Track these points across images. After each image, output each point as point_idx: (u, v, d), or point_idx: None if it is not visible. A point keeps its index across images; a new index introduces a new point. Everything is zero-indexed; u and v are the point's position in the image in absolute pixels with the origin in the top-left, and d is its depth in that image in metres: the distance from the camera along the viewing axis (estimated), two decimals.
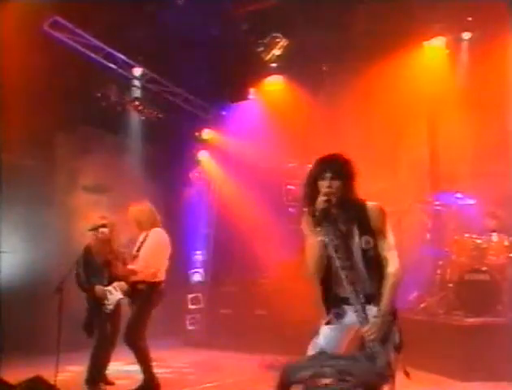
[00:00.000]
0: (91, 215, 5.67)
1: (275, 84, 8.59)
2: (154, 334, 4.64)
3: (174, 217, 7.39)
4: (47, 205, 6.88)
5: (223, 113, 9.07)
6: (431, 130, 7.38)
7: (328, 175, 2.55)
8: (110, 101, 7.42)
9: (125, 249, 5.13)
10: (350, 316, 2.56)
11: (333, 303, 2.65)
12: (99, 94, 7.21)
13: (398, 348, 2.51)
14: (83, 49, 6.77)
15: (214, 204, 9.22)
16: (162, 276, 4.85)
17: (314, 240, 2.57)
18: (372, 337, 2.43)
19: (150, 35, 7.12)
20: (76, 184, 7.46)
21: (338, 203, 2.53)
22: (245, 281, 7.90)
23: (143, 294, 4.76)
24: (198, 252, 9.07)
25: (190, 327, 8.38)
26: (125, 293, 4.96)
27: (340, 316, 2.63)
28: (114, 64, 7.31)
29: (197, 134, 9.11)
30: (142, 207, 5.00)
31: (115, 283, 4.95)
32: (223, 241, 8.52)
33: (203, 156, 9.27)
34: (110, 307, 4.88)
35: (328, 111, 7.72)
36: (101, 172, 7.65)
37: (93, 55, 6.92)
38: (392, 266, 2.55)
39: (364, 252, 2.53)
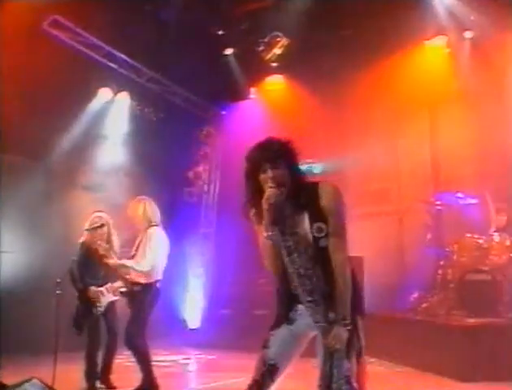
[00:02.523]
0: (91, 215, 5.39)
1: (275, 84, 8.57)
2: (154, 334, 4.70)
3: (174, 216, 7.23)
4: (46, 205, 6.82)
5: (224, 112, 9.07)
6: (432, 129, 7.40)
7: (267, 165, 2.21)
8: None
9: (124, 249, 5.06)
10: (305, 319, 2.25)
11: (288, 303, 2.34)
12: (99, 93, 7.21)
13: (360, 353, 2.23)
14: (83, 48, 6.74)
15: (214, 203, 9.21)
16: (158, 276, 4.76)
17: (264, 238, 2.23)
18: (335, 349, 2.14)
19: (151, 34, 7.09)
20: (75, 183, 7.43)
21: (288, 193, 2.21)
22: (246, 281, 7.86)
23: (139, 295, 4.68)
24: (198, 252, 9.02)
25: (188, 327, 8.33)
26: (118, 295, 4.90)
27: (292, 320, 2.32)
28: (115, 63, 7.27)
29: (197, 133, 9.08)
30: (140, 204, 4.89)
31: (108, 285, 4.90)
32: (223, 241, 8.48)
33: (203, 155, 9.23)
34: (101, 309, 4.83)
35: (329, 111, 7.70)
36: (100, 171, 7.62)
37: (93, 54, 6.89)
38: (340, 258, 2.21)
39: (317, 241, 2.20)
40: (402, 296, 6.61)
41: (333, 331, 2.12)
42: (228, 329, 7.42)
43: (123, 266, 4.71)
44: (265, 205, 2.17)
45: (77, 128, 7.19)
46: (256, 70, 8.31)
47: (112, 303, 4.96)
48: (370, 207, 7.43)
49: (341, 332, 2.13)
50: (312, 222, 2.20)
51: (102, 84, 7.51)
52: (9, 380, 3.94)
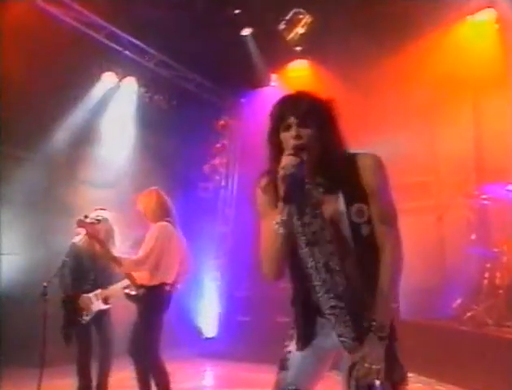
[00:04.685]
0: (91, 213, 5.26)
1: (299, 70, 8.36)
2: (165, 343, 4.44)
3: (188, 214, 6.96)
4: (44, 202, 6.67)
5: (242, 100, 8.89)
6: (476, 115, 7.10)
7: (293, 120, 1.87)
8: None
9: (134, 250, 4.74)
10: (329, 333, 1.93)
11: (306, 314, 1.99)
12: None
13: (402, 381, 1.87)
14: (82, 28, 6.52)
15: (232, 200, 9.08)
16: (165, 278, 4.48)
17: (271, 224, 1.82)
18: (368, 371, 1.78)
19: (160, 13, 6.79)
20: (78, 179, 7.25)
21: (313, 162, 1.86)
22: (266, 285, 7.50)
23: (143, 299, 4.45)
24: (214, 253, 8.93)
25: (204, 336, 8.27)
26: (110, 303, 4.74)
27: (310, 337, 1.98)
28: (119, 45, 7.07)
29: (213, 123, 8.95)
30: (148, 196, 4.65)
31: (98, 291, 4.70)
32: (242, 241, 8.06)
33: (220, 147, 9.08)
34: (87, 318, 4.65)
35: (359, 98, 7.37)
36: (105, 166, 7.41)
37: (93, 34, 6.68)
38: (389, 250, 1.87)
39: (356, 228, 1.85)
40: (443, 303, 6.31)
41: (366, 347, 1.79)
42: (247, 338, 7.30)
43: (115, 259, 4.39)
44: (280, 174, 1.79)
45: (78, 118, 7.03)
46: (277, 53, 8.07)
47: (103, 312, 4.74)
48: (405, 203, 6.68)
49: (378, 348, 1.79)
50: (349, 203, 1.85)
51: (105, 68, 7.35)
52: None
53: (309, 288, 1.93)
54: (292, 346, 2.03)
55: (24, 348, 5.53)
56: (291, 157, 1.81)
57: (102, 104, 7.44)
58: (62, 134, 6.86)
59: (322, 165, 1.90)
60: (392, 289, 1.86)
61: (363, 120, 7.24)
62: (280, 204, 1.77)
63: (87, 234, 4.56)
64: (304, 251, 1.87)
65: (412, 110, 7.16)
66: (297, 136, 1.86)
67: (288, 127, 1.89)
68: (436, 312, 6.33)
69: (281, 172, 1.78)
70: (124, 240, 5.42)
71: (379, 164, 1.92)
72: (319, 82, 7.94)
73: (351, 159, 1.91)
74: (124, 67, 7.46)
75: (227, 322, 8.10)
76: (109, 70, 7.38)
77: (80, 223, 4.53)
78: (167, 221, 4.55)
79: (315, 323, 1.99)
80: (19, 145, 6.51)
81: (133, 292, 4.53)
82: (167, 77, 7.82)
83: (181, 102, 7.96)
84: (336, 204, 1.86)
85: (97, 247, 4.63)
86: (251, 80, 8.38)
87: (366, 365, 1.78)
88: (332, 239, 1.85)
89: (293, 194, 1.77)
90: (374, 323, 1.81)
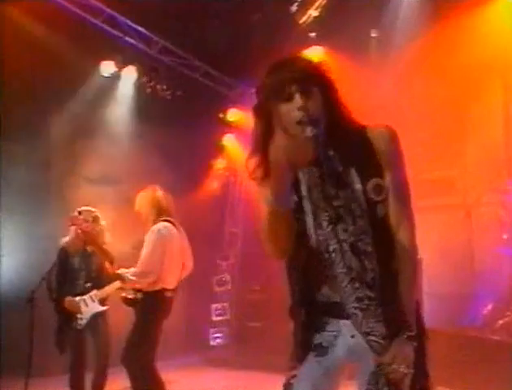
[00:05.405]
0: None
1: (314, 57, 7.65)
2: (171, 351, 4.40)
3: (194, 214, 7.13)
4: (42, 200, 6.56)
5: (252, 90, 8.52)
6: (506, 104, 6.78)
7: (293, 88, 1.68)
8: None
9: (135, 250, 4.67)
10: (342, 342, 1.76)
11: (316, 315, 1.80)
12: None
13: (425, 386, 1.73)
14: (78, 11, 6.34)
15: (242, 198, 8.90)
16: (166, 284, 4.32)
17: (275, 209, 1.64)
18: (397, 376, 1.62)
19: None
20: (77, 175, 7.10)
21: (324, 136, 1.68)
22: (278, 289, 7.47)
23: (140, 305, 4.29)
24: (223, 255, 8.82)
25: (214, 343, 8.19)
26: (106, 304, 4.64)
27: (323, 348, 1.78)
28: (118, 30, 6.89)
29: (220, 115, 8.80)
30: (146, 195, 4.49)
31: (93, 292, 4.57)
32: (253, 241, 7.82)
33: (228, 141, 8.97)
34: (83, 322, 4.53)
35: (379, 87, 7.18)
36: (106, 161, 7.24)
37: (91, 19, 6.50)
38: (406, 233, 1.74)
39: (373, 208, 1.69)
40: (472, 309, 6.12)
41: (394, 347, 1.63)
42: (258, 345, 7.27)
43: (118, 277, 4.32)
44: (297, 126, 1.65)
45: (75, 110, 6.87)
46: (289, 39, 7.63)
47: (99, 315, 4.62)
48: (430, 199, 6.87)
49: (408, 349, 1.64)
50: (365, 178, 1.70)
51: (104, 56, 7.16)
52: None
53: (320, 282, 1.74)
54: (296, 365, 1.81)
55: (18, 356, 5.24)
56: (300, 126, 1.65)
57: (101, 95, 7.29)
58: (58, 128, 6.76)
59: (330, 138, 1.71)
60: (415, 278, 1.74)
61: (384, 111, 6.90)
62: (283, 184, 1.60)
63: (82, 233, 4.42)
64: (325, 231, 1.68)
65: (436, 100, 6.89)
66: (303, 108, 1.67)
67: (289, 98, 1.69)
68: (464, 319, 6.14)
69: (307, 133, 1.64)
70: (127, 240, 5.51)
71: (393, 135, 1.79)
72: (337, 71, 7.58)
73: (361, 130, 1.78)
74: (124, 55, 7.29)
75: (237, 328, 8.05)
76: (108, 58, 7.21)
77: (73, 221, 4.40)
78: (166, 221, 4.37)
79: (325, 329, 1.79)
80: (13, 140, 6.39)
81: (130, 296, 4.36)
82: (171, 65, 7.64)
83: (186, 93, 7.75)
84: (351, 180, 1.70)
85: (89, 246, 4.54)
86: (261, 69, 8.00)
87: (395, 366, 1.62)
88: (363, 212, 1.67)
89: (322, 157, 1.64)
90: (403, 324, 1.65)
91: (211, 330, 8.25)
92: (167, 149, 7.67)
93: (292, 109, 1.68)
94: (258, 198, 1.74)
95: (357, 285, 1.65)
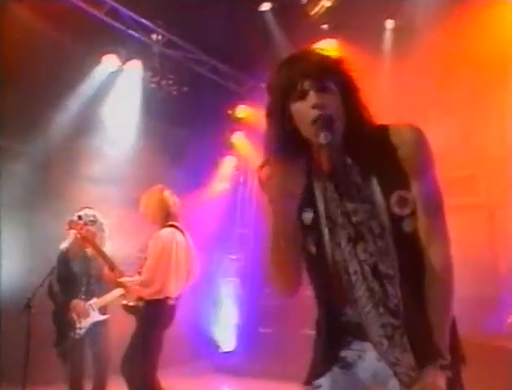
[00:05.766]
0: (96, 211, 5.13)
1: (331, 52, 7.91)
2: (178, 357, 4.30)
3: (202, 214, 7.08)
4: (41, 200, 6.39)
5: (262, 85, 8.24)
6: None
7: (307, 84, 1.56)
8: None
9: (141, 254, 4.65)
10: (371, 362, 1.63)
11: (340, 333, 1.68)
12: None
13: None
14: (79, 4, 6.18)
15: (253, 198, 8.77)
16: (170, 292, 4.24)
17: (284, 212, 1.60)
18: None
19: None
20: (78, 174, 6.96)
21: (339, 139, 1.56)
22: None
23: (142, 313, 4.22)
24: (232, 257, 8.74)
25: (221, 349, 8.15)
26: (107, 313, 4.58)
27: (348, 364, 1.67)
28: (121, 23, 6.72)
29: (229, 112, 8.71)
30: (151, 196, 4.41)
31: (93, 300, 4.53)
32: (264, 244, 7.94)
33: (237, 138, 8.85)
34: (82, 331, 4.42)
35: (395, 80, 7.12)
36: (109, 160, 7.08)
37: (93, 11, 6.33)
38: (440, 251, 1.59)
39: (398, 224, 1.55)
40: (496, 318, 6.03)
41: (425, 379, 1.50)
42: (269, 352, 7.17)
43: (121, 285, 4.32)
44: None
45: (77, 107, 6.73)
46: (301, 32, 7.50)
47: (99, 324, 4.56)
48: (451, 199, 6.45)
49: (440, 380, 1.51)
50: (388, 189, 1.56)
51: (107, 50, 7.01)
52: None
53: (342, 304, 1.63)
54: (317, 380, 1.71)
55: (15, 363, 5.08)
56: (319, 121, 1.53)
57: (104, 91, 7.14)
58: (59, 125, 6.59)
59: (348, 141, 1.58)
60: (449, 300, 1.58)
61: (401, 106, 6.85)
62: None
63: (81, 238, 4.35)
64: (344, 251, 1.57)
65: (457, 95, 6.71)
66: (319, 105, 1.53)
67: (303, 95, 1.56)
68: (488, 328, 6.00)
69: (321, 139, 1.52)
70: (132, 243, 5.39)
71: (420, 137, 1.62)
72: (352, 65, 7.56)
73: (383, 133, 1.61)
74: (128, 49, 7.13)
75: (247, 333, 7.94)
76: (111, 52, 7.06)
77: (73, 225, 4.33)
78: (171, 226, 4.28)
79: (349, 347, 1.68)
80: (12, 138, 6.24)
81: (132, 303, 4.29)
82: (177, 60, 7.49)
83: (193, 88, 7.61)
84: (371, 191, 1.56)
85: (90, 250, 4.45)
86: (271, 63, 7.97)
87: None
88: (383, 231, 1.54)
89: (338, 168, 1.55)
90: (434, 352, 1.52)
91: (221, 335, 8.16)
92: (172, 147, 7.57)
93: (306, 107, 1.55)
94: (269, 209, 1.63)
95: (381, 310, 1.53)
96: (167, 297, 4.24)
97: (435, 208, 1.61)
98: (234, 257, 8.75)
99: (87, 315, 4.43)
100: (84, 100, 6.78)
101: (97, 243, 4.39)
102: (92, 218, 4.54)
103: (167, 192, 4.41)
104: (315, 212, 1.61)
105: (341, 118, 1.56)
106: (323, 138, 1.50)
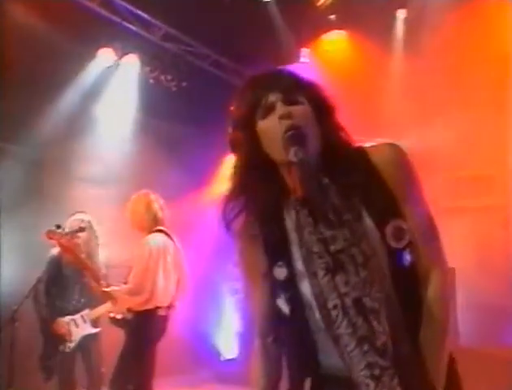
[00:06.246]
0: (91, 213, 5.04)
1: (335, 42, 7.86)
2: (179, 366, 4.09)
3: (204, 215, 6.73)
4: (33, 202, 6.26)
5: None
6: None
7: (276, 96, 1.46)
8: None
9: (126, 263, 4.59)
10: None
11: (320, 386, 1.54)
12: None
13: None
14: None
15: None
16: (159, 302, 4.19)
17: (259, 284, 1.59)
18: None
19: None
20: (71, 175, 6.84)
21: (313, 159, 1.44)
22: None
23: (131, 326, 4.18)
24: (234, 261, 8.47)
25: (223, 357, 8.00)
26: (99, 325, 4.54)
27: None
28: (117, 15, 6.56)
29: (231, 108, 8.38)
30: (136, 202, 4.39)
31: (85, 312, 4.41)
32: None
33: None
34: (72, 345, 4.33)
35: (406, 73, 7.07)
36: (105, 159, 6.98)
37: (86, 3, 6.17)
38: (436, 286, 1.48)
39: (395, 257, 1.43)
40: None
41: None
42: None
43: (107, 295, 4.22)
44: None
45: (70, 104, 6.58)
46: (308, 23, 7.50)
47: (90, 337, 4.47)
48: (465, 200, 6.71)
49: None
50: (381, 220, 1.43)
51: (102, 43, 6.85)
52: None
53: (320, 346, 1.48)
54: None
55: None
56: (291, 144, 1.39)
57: (99, 87, 7.01)
58: (53, 123, 6.45)
59: (324, 161, 1.45)
60: (447, 333, 1.47)
61: (410, 98, 6.95)
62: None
63: (63, 250, 4.27)
64: (322, 281, 1.41)
65: (471, 90, 6.56)
66: (287, 115, 1.42)
67: (269, 109, 1.46)
68: (504, 337, 5.88)
69: (291, 156, 1.38)
70: (127, 246, 5.07)
71: (401, 156, 1.51)
72: (361, 57, 7.48)
73: (361, 155, 1.50)
74: (124, 42, 6.97)
75: (249, 341, 7.64)
76: (106, 46, 6.90)
77: (51, 235, 4.21)
78: (159, 231, 4.24)
79: None
80: (5, 138, 6.16)
81: (119, 316, 4.24)
82: (176, 53, 7.33)
83: (193, 83, 7.42)
84: (360, 227, 1.41)
85: (85, 256, 4.38)
86: (277, 56, 7.59)
87: None
88: (366, 260, 1.39)
89: (312, 189, 1.39)
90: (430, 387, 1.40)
91: (223, 342, 8.06)
92: (172, 145, 7.43)
93: (273, 121, 1.44)
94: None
95: (365, 348, 1.38)
96: (158, 307, 4.18)
97: (431, 232, 1.51)
98: (236, 260, 8.59)
99: (69, 334, 4.33)
100: (78, 97, 6.65)
101: (77, 253, 4.27)
102: (82, 225, 4.43)
103: (153, 197, 4.39)
104: (290, 265, 1.48)
105: (316, 136, 1.44)
106: (293, 154, 1.36)
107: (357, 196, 1.44)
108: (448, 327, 1.48)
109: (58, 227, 4.22)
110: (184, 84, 7.32)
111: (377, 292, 1.38)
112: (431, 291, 1.47)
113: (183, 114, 7.27)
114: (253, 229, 1.56)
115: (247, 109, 1.50)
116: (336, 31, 7.65)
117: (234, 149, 1.57)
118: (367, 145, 1.55)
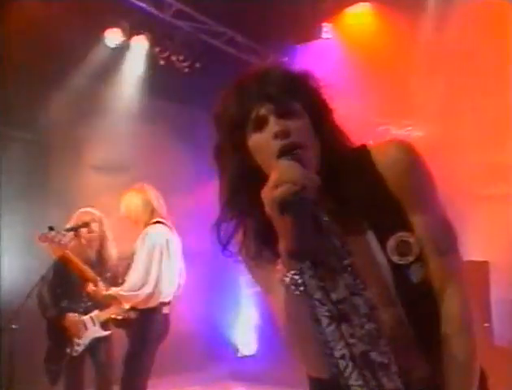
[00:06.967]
0: (101, 203, 5.07)
1: (360, 16, 7.79)
2: (193, 363, 3.99)
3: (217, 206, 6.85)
4: (41, 191, 6.35)
5: (285, 58, 8.03)
6: None
7: (268, 109, 1.34)
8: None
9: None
10: None
11: None
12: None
13: None
14: None
15: None
16: (163, 296, 4.23)
17: (280, 295, 1.36)
18: None
19: None
20: (81, 162, 6.84)
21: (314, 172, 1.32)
22: None
23: (135, 325, 4.20)
24: None
25: (240, 353, 8.01)
26: (111, 327, 4.45)
27: None
28: None
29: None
30: (136, 194, 4.40)
31: (94, 313, 4.34)
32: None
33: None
34: (80, 348, 4.25)
35: (436, 50, 6.86)
36: (114, 145, 6.92)
37: None
38: (455, 304, 1.36)
39: (400, 275, 1.34)
40: None
41: None
42: (291, 357, 6.85)
43: (111, 298, 4.23)
44: (272, 209, 1.23)
45: (78, 88, 6.50)
46: None
47: (100, 339, 4.42)
48: (487, 188, 6.54)
49: None
50: (383, 234, 1.34)
51: (109, 23, 6.73)
52: None
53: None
54: None
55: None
56: (287, 163, 1.26)
57: (106, 69, 6.90)
58: (59, 109, 6.41)
59: (324, 180, 1.30)
60: (473, 361, 1.34)
61: (439, 78, 6.78)
62: (286, 258, 1.26)
63: (56, 249, 4.19)
64: (328, 330, 1.30)
65: (498, 74, 6.41)
66: (282, 133, 1.31)
67: (261, 124, 1.35)
68: None
69: (273, 203, 1.21)
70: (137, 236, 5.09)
71: (410, 157, 1.39)
72: (386, 30, 7.37)
73: (364, 158, 1.41)
74: (133, 22, 6.85)
75: (268, 336, 7.64)
76: (114, 25, 6.78)
77: (43, 239, 4.15)
78: (159, 223, 4.26)
79: None
80: (10, 123, 6.14)
81: (120, 317, 4.30)
82: (188, 32, 7.19)
83: (207, 64, 7.30)
84: (362, 242, 1.35)
85: (95, 252, 4.40)
86: (296, 33, 7.74)
87: None
88: (371, 310, 1.28)
89: (305, 238, 1.24)
90: None
91: (240, 337, 8.08)
92: (183, 131, 7.36)
93: (266, 139, 1.33)
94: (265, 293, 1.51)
95: None
96: (161, 304, 4.20)
97: (447, 243, 1.40)
98: None
99: (80, 334, 4.24)
100: (85, 80, 6.57)
101: (71, 258, 4.20)
102: (86, 220, 4.36)
103: (148, 188, 4.43)
104: None
105: (313, 147, 1.34)
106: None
107: (360, 209, 1.36)
108: (475, 365, 1.34)
109: (51, 228, 4.16)
110: (197, 64, 7.21)
111: (385, 345, 1.28)
112: (452, 307, 1.35)
113: (196, 97, 6.98)
114: (251, 251, 1.46)
115: (236, 122, 1.38)
116: (361, 3, 7.59)
117: (220, 161, 1.46)
118: (372, 143, 1.45)
